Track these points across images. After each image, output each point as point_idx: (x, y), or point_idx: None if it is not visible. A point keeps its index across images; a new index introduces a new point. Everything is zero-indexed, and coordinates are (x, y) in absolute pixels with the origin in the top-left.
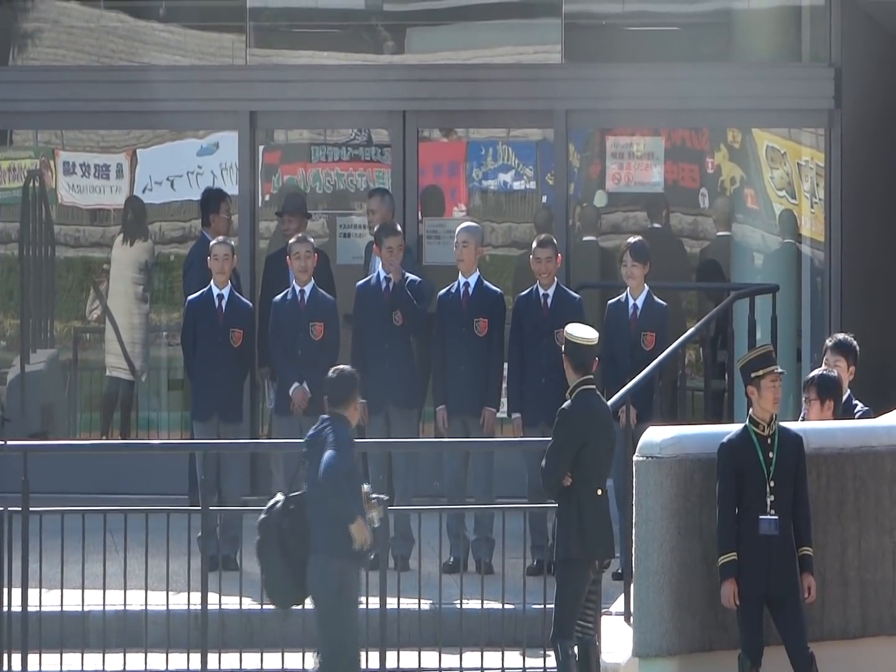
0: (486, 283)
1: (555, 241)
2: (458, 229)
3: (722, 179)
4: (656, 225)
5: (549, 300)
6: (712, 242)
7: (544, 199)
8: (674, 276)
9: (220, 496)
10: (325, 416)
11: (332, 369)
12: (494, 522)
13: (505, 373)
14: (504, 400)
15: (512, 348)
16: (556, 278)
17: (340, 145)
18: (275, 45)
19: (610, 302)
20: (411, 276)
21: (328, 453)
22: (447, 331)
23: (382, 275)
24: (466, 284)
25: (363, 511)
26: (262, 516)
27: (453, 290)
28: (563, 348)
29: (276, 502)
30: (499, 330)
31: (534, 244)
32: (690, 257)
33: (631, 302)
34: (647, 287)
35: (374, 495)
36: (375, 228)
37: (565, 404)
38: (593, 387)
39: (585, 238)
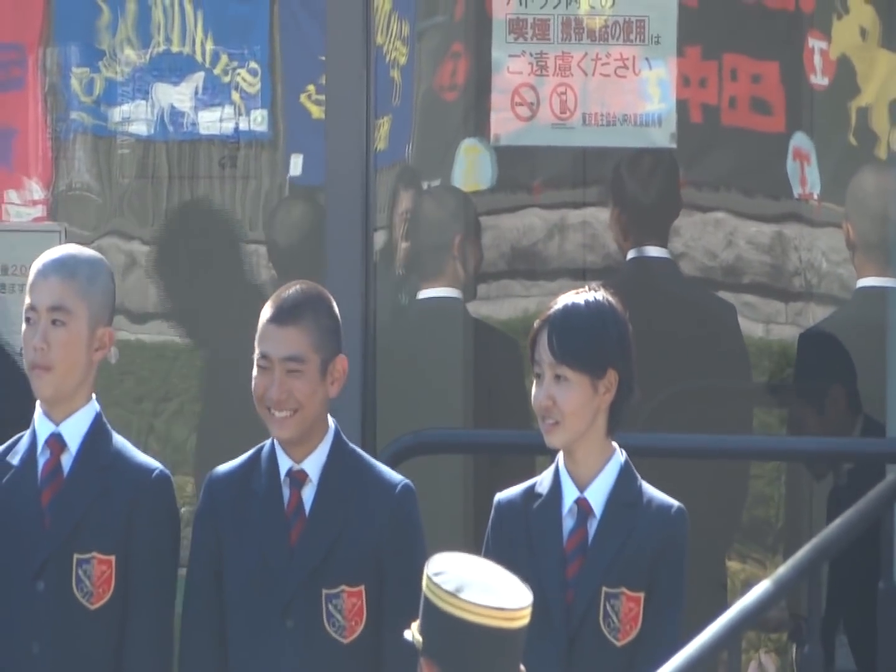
0: (109, 436)
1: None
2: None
3: (865, 106)
4: (654, 251)
5: (304, 495)
6: (838, 310)
7: (294, 166)
8: (712, 419)
9: None
10: None
11: None
12: None
13: None
14: None
15: None
16: (329, 424)
17: None
18: None
19: (501, 498)
20: None
21: None
22: None
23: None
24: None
25: None
26: None
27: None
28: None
29: None
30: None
31: (265, 314)
32: (763, 353)
33: (570, 494)
34: (616, 449)
35: None
36: None
37: None
38: None
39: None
